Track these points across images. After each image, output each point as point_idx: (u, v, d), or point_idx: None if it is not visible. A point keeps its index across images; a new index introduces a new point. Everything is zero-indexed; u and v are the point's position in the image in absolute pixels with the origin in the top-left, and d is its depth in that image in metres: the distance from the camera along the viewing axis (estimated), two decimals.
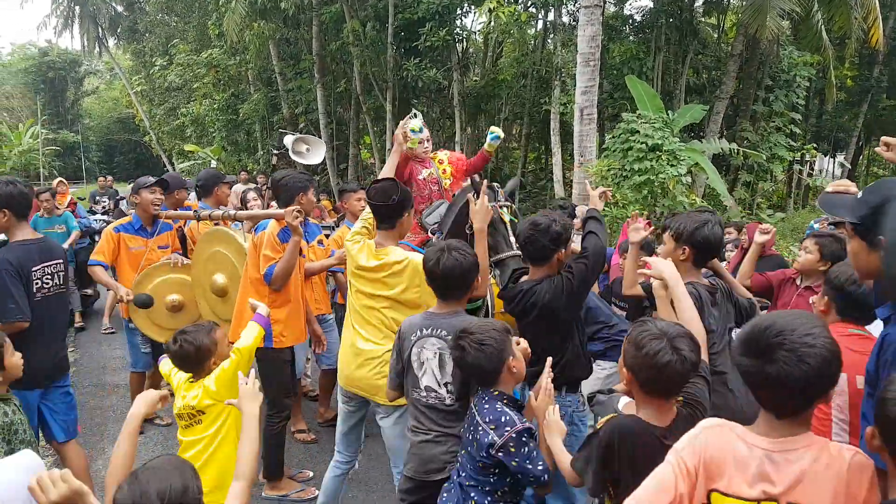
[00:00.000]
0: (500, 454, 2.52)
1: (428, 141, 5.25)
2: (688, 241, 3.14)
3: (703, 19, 18.71)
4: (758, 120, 15.35)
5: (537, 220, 3.27)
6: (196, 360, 3.10)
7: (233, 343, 3.39)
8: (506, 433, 2.52)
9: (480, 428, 2.59)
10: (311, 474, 4.92)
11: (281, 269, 4.25)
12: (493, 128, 5.45)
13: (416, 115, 5.25)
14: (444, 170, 5.45)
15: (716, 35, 19.11)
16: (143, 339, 5.58)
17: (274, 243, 4.32)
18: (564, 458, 2.50)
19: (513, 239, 3.91)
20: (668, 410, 2.22)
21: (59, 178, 10.90)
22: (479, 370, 2.65)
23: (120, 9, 34.68)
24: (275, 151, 7.19)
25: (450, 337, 2.89)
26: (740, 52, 15.05)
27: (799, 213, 17.22)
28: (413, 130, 5.00)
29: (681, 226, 3.19)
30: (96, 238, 12.29)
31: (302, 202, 4.50)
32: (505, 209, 4.02)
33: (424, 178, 5.31)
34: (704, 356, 2.40)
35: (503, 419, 2.56)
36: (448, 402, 2.97)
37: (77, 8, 34.84)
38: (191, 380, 3.16)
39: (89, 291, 9.80)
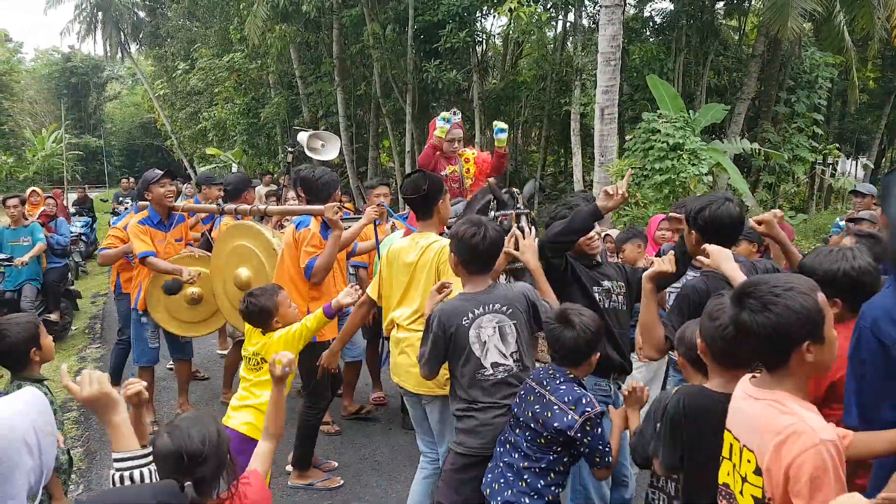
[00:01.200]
0: (577, 434, 2.61)
1: (459, 141, 5.40)
2: (693, 224, 2.97)
3: (723, 21, 18.62)
4: (779, 121, 15.23)
5: None
6: (260, 318, 3.63)
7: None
8: (585, 413, 2.62)
9: (556, 407, 2.66)
10: (336, 464, 4.96)
11: (321, 262, 4.34)
12: (496, 122, 5.48)
13: (455, 113, 5.39)
14: (468, 169, 5.56)
15: (737, 36, 19.00)
16: (152, 334, 5.57)
17: (317, 240, 4.42)
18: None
19: None
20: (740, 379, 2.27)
21: (33, 188, 10.26)
22: (578, 350, 2.75)
23: (142, 14, 35.07)
24: (289, 150, 7.23)
25: (506, 308, 3.01)
26: (762, 54, 14.94)
27: (821, 215, 17.07)
28: (444, 119, 5.14)
29: (688, 207, 3.04)
30: (73, 259, 11.83)
31: (337, 199, 4.62)
32: (523, 217, 4.03)
33: (447, 175, 5.40)
34: None
35: (584, 400, 2.66)
36: (515, 370, 3.00)
37: (100, 14, 35.23)
38: (261, 332, 3.67)
39: (54, 317, 8.37)
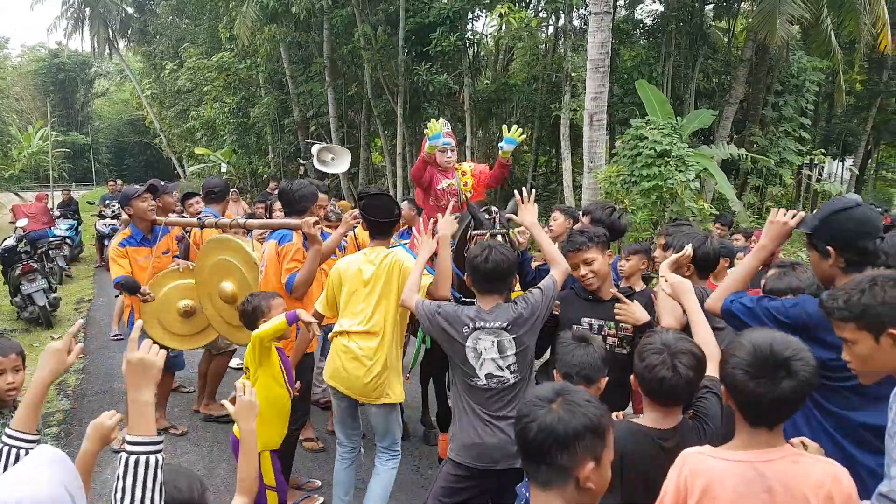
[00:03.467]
0: None
1: (452, 151, 5.37)
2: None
3: (713, 24, 18.66)
4: (767, 124, 15.34)
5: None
6: (251, 316, 3.73)
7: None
8: None
9: None
10: (320, 483, 4.92)
11: (301, 277, 4.34)
12: (512, 132, 5.17)
13: (446, 124, 5.41)
14: (466, 182, 5.50)
15: (726, 39, 19.06)
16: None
17: (301, 254, 4.43)
18: None
19: None
20: (673, 415, 2.32)
21: None
22: (593, 368, 2.68)
23: (130, 11, 34.88)
24: (302, 162, 7.17)
25: (506, 324, 3.14)
26: (750, 58, 15.04)
27: None
28: (434, 135, 5.14)
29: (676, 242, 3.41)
30: (57, 263, 11.48)
31: (314, 212, 4.60)
32: (498, 237, 3.95)
33: (443, 189, 5.38)
34: (714, 372, 2.42)
35: None
36: (512, 381, 3.15)
37: (87, 10, 34.99)
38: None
39: None
